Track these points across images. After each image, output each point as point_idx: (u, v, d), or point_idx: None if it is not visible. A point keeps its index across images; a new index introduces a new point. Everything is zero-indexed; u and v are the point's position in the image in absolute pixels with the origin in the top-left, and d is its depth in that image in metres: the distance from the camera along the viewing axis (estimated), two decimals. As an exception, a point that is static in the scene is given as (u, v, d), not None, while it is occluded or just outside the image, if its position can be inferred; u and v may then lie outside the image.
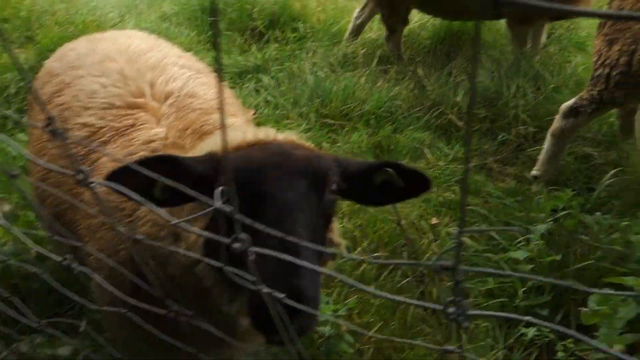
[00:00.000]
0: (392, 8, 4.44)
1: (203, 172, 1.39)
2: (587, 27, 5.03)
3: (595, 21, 5.26)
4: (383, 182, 1.52)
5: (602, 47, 3.09)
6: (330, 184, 1.43)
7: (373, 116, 3.98)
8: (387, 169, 1.49)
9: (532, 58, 4.19)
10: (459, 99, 3.98)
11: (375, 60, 4.52)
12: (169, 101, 1.93)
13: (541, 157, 3.43)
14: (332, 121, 3.99)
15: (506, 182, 3.53)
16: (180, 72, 2.09)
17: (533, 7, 0.59)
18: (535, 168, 3.47)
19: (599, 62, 3.08)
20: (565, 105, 3.29)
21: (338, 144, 3.85)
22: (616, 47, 3.00)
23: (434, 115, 4.04)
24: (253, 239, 1.24)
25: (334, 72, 4.47)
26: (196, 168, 1.40)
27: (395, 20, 4.50)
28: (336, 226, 1.64)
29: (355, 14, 4.92)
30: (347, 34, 4.95)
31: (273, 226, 1.27)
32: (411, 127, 3.98)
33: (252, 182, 1.34)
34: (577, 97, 3.25)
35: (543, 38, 4.50)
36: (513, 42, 4.37)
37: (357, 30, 4.92)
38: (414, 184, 1.51)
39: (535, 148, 3.70)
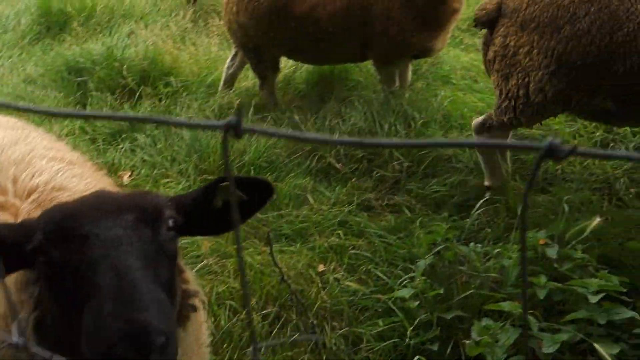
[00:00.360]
0: (260, 57, 4.47)
1: (11, 237, 1.28)
2: (449, 61, 5.34)
3: (458, 55, 5.60)
4: (226, 204, 1.42)
5: (500, 82, 3.31)
6: (166, 220, 1.35)
7: (252, 167, 3.95)
8: (222, 184, 1.41)
9: (401, 96, 4.36)
10: (335, 142, 4.04)
11: (251, 110, 4.52)
12: (32, 197, 1.77)
13: (484, 171, 3.64)
14: (212, 177, 3.91)
15: (387, 219, 3.60)
16: (49, 165, 1.93)
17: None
18: (485, 181, 3.66)
19: (502, 96, 3.31)
20: (476, 122, 3.51)
21: (220, 199, 3.77)
22: (512, 81, 3.24)
23: (313, 159, 4.07)
24: (89, 291, 1.15)
25: (211, 125, 4.41)
26: (2, 232, 1.29)
27: (264, 68, 4.53)
28: (191, 276, 1.57)
29: (226, 63, 4.91)
30: (221, 84, 4.92)
31: (101, 266, 1.19)
32: (292, 174, 3.99)
33: (71, 228, 1.26)
34: (485, 115, 3.46)
35: (409, 75, 4.71)
36: (382, 81, 4.53)
37: (231, 80, 4.90)
38: (256, 194, 1.44)
39: (411, 183, 3.83)
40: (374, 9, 4.09)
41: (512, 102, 3.25)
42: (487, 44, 3.39)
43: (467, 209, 3.64)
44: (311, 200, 3.77)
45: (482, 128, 3.43)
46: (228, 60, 4.90)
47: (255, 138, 4.20)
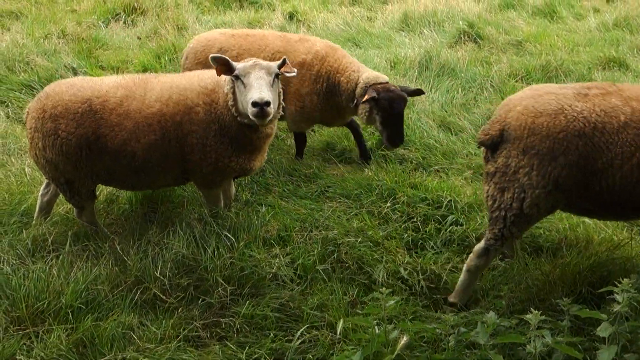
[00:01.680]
0: (73, 190, 4.31)
1: None
2: (272, 168, 5.58)
3: (280, 161, 5.87)
4: None
5: (495, 193, 3.72)
6: None
7: (70, 310, 3.76)
8: None
9: (224, 217, 4.44)
10: (158, 273, 4.00)
11: (69, 241, 4.32)
12: None
13: (457, 287, 3.96)
14: (26, 327, 3.65)
15: (215, 351, 3.60)
16: None
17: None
18: (451, 296, 3.96)
19: (495, 206, 3.75)
20: (478, 247, 3.84)
21: (34, 351, 3.53)
22: (508, 195, 3.67)
23: (138, 292, 3.97)
24: None
25: (24, 263, 4.14)
26: None
27: (80, 199, 4.37)
28: None
29: (41, 190, 4.67)
30: (36, 213, 4.66)
31: None
32: (116, 310, 3.85)
33: None
34: (484, 238, 3.83)
35: (233, 190, 4.83)
36: (206, 202, 4.60)
37: (47, 207, 4.66)
38: None
39: (237, 306, 3.88)
40: (190, 138, 4.17)
41: (503, 213, 3.70)
42: (486, 160, 3.84)
43: (294, 329, 3.78)
44: (137, 340, 3.66)
45: (483, 253, 3.83)
46: (42, 187, 4.66)
47: (73, 274, 4.02)
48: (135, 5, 10.70)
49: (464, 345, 3.46)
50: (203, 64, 5.40)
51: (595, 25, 10.44)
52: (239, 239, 4.26)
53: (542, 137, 3.57)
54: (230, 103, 4.15)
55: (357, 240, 4.55)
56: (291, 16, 11.27)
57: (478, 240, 4.50)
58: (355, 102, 5.33)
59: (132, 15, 10.51)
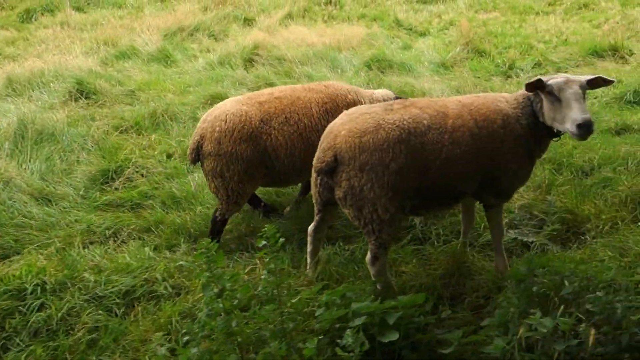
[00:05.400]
0: None
1: None
2: None
3: None
4: None
5: (356, 213, 4.02)
6: None
7: None
8: None
9: None
10: None
11: None
12: None
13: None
14: None
15: None
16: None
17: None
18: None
19: (362, 223, 4.06)
20: (368, 257, 4.13)
21: None
22: (365, 211, 3.98)
23: None
24: None
25: None
26: None
27: None
28: None
29: None
30: None
31: None
32: None
33: None
34: (370, 249, 4.10)
35: None
36: None
37: None
38: None
39: None
40: None
41: (370, 226, 4.00)
42: (323, 187, 4.16)
43: None
44: None
45: (373, 260, 4.10)
46: None
47: None
48: None
49: None
50: None
51: (203, 65, 11.11)
52: None
53: (370, 152, 3.91)
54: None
55: None
56: None
57: None
58: None
59: None
